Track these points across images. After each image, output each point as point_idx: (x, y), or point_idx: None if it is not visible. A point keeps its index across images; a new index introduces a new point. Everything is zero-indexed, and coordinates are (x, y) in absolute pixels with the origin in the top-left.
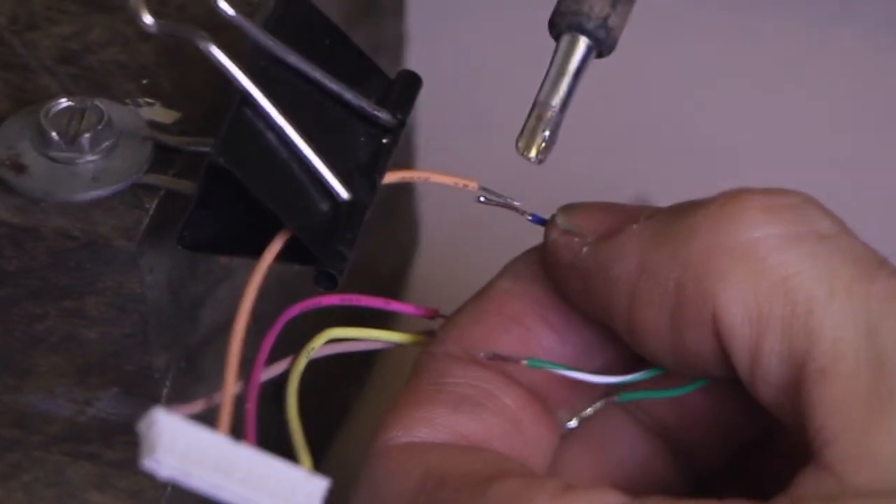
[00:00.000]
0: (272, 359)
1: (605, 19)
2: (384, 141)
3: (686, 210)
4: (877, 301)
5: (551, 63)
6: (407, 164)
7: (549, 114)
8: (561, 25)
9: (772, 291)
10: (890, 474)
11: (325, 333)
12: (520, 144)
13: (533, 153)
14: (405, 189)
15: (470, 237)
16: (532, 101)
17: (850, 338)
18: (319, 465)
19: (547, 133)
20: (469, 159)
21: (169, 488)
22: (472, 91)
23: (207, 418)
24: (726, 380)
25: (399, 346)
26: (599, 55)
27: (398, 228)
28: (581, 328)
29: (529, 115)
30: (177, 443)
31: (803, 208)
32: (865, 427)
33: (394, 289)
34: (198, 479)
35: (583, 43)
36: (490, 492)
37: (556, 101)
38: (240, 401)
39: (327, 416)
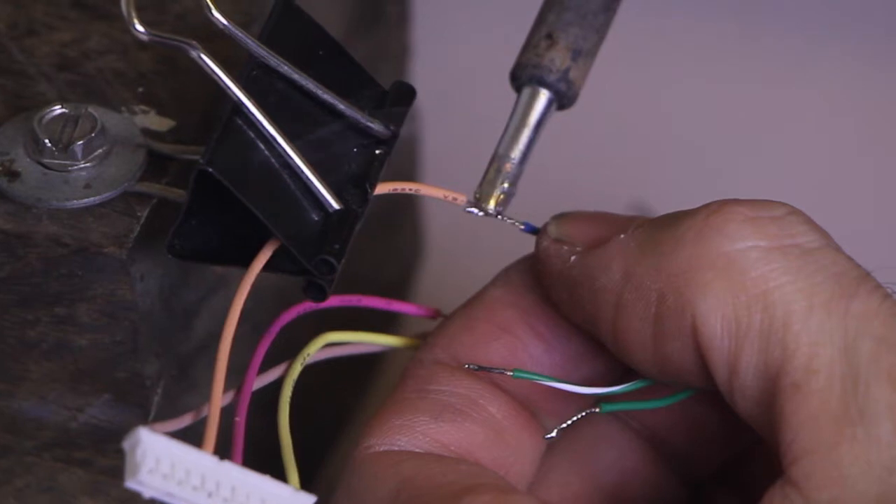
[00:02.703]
0: (271, 366)
1: (567, 72)
2: (377, 152)
3: (672, 221)
4: (854, 319)
5: (511, 115)
6: (410, 173)
7: (509, 166)
8: (522, 78)
9: (751, 304)
10: (855, 494)
11: (322, 338)
12: (478, 196)
13: (491, 205)
14: (409, 198)
15: (474, 245)
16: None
17: (826, 354)
18: (318, 474)
19: (506, 185)
20: (472, 169)
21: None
22: (476, 101)
23: (198, 428)
24: (711, 391)
25: (400, 352)
26: (561, 107)
27: (403, 237)
28: (569, 337)
29: (489, 167)
30: (160, 463)
31: (788, 221)
32: (834, 445)
33: (399, 297)
34: (181, 499)
35: (544, 96)
36: None
37: (516, 153)
38: (229, 414)
39: (327, 423)
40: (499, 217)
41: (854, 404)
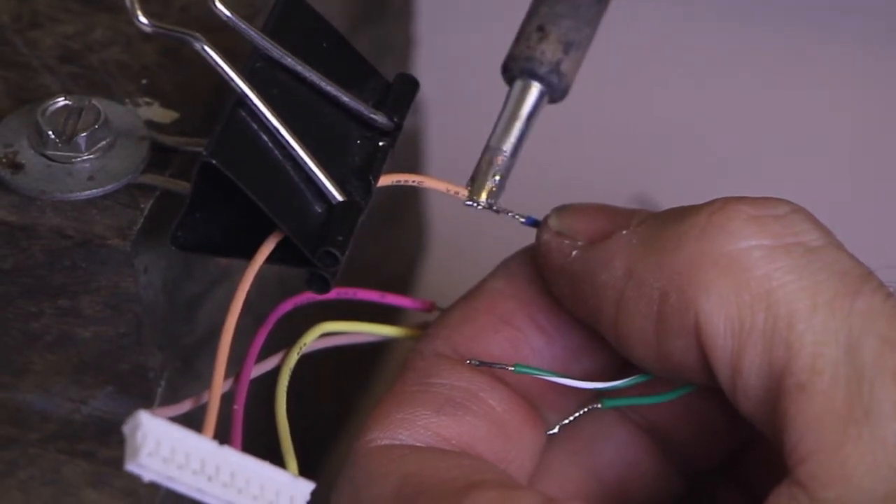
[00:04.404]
0: (269, 357)
1: (558, 65)
2: (380, 144)
3: (674, 218)
4: (858, 317)
5: (503, 108)
6: (414, 166)
7: (500, 158)
8: (514, 70)
9: (754, 304)
10: (862, 494)
11: (318, 328)
12: (470, 189)
13: (483, 197)
14: (413, 192)
15: (478, 238)
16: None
17: (830, 354)
18: (321, 466)
19: (497, 178)
20: (476, 160)
21: (163, 487)
22: (480, 93)
23: (198, 416)
24: (713, 387)
25: (403, 343)
26: (552, 101)
27: (406, 230)
28: (571, 331)
29: (480, 160)
30: (160, 446)
31: (791, 219)
32: (839, 445)
33: (402, 289)
34: (181, 483)
35: (535, 88)
36: (465, 503)
37: (508, 146)
38: (228, 401)
39: (330, 415)
40: (494, 209)
41: (859, 405)
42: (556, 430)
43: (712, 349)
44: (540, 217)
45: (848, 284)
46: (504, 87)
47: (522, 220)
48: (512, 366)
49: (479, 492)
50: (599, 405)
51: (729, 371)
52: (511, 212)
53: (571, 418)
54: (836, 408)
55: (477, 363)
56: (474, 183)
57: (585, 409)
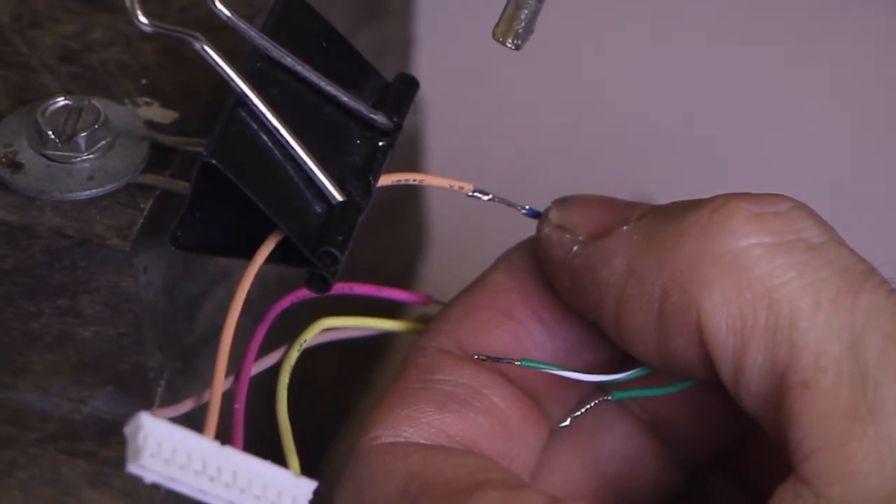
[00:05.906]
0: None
1: None
2: (380, 144)
3: (676, 214)
4: (862, 314)
5: None
6: (414, 165)
7: (528, 2)
8: None
9: (756, 302)
10: (867, 491)
11: (318, 324)
12: (497, 31)
13: (510, 40)
14: (413, 190)
15: (478, 236)
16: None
17: (833, 351)
18: (322, 464)
19: (524, 21)
20: (476, 160)
21: (164, 488)
22: (480, 93)
23: (200, 415)
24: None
25: (404, 340)
26: None
27: (406, 229)
28: (572, 324)
29: (507, 4)
30: (162, 447)
31: (792, 216)
32: (844, 443)
33: (402, 288)
34: (183, 484)
35: None
36: (471, 503)
37: None
38: (229, 401)
39: (331, 415)
40: (495, 200)
41: (863, 402)
42: (567, 422)
43: (714, 347)
44: (541, 209)
45: (850, 281)
46: (505, 85)
47: (524, 210)
48: (518, 360)
49: (484, 491)
50: (609, 397)
51: (731, 369)
52: (513, 203)
53: (583, 410)
54: (840, 405)
55: (484, 358)
56: (501, 27)
57: (597, 401)
